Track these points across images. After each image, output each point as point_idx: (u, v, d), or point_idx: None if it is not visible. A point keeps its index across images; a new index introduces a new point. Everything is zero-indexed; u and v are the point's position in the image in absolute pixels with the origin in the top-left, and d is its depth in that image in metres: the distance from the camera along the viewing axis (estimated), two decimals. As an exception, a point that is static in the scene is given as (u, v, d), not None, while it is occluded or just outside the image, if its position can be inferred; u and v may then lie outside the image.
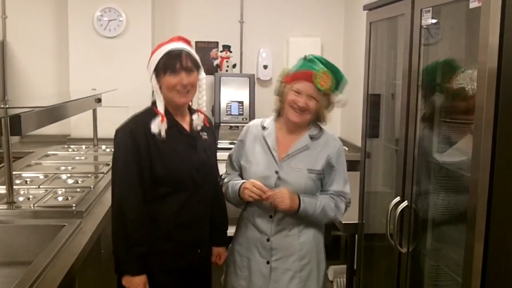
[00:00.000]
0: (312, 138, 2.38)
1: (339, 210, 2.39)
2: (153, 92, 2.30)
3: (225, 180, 2.47)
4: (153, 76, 2.26)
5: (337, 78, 2.33)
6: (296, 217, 2.32)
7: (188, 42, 2.34)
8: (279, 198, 2.24)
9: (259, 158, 2.38)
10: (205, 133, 2.42)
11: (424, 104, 2.23)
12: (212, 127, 2.56)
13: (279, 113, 2.45)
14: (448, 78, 2.11)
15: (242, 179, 2.41)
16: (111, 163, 2.31)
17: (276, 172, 2.33)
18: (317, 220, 2.36)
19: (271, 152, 2.37)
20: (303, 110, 2.29)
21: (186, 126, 2.36)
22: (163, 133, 2.22)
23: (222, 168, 2.58)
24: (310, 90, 2.28)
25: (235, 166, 2.49)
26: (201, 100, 2.38)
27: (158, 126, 2.21)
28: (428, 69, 2.19)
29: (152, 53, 2.28)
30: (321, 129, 2.43)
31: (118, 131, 2.27)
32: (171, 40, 2.30)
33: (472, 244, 1.71)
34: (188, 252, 2.34)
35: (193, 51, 2.30)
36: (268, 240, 2.35)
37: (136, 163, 2.20)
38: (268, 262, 2.36)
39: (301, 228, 2.36)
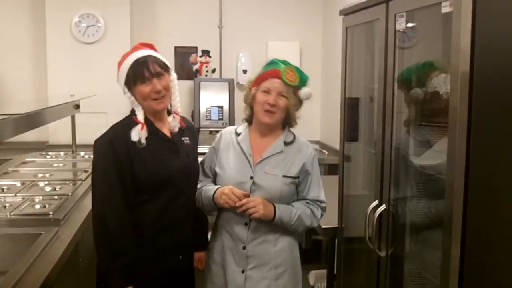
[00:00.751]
0: (286, 143, 2.39)
1: (315, 217, 2.40)
2: (129, 100, 2.28)
3: (198, 186, 2.45)
4: (126, 89, 2.25)
5: (301, 75, 2.36)
6: (272, 225, 2.31)
7: (151, 46, 2.33)
8: (252, 206, 2.23)
9: (233, 164, 2.38)
10: (187, 138, 2.42)
11: (400, 107, 2.25)
12: (192, 128, 2.55)
13: (250, 122, 2.46)
14: (423, 81, 2.13)
15: (216, 185, 2.40)
16: (90, 170, 2.29)
17: (251, 178, 2.32)
18: (293, 228, 2.35)
19: (246, 157, 2.36)
20: (273, 110, 2.29)
21: (166, 131, 2.35)
22: (143, 140, 2.21)
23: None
24: (278, 87, 2.30)
25: (208, 173, 2.48)
26: (174, 101, 2.37)
27: (138, 134, 2.20)
28: (406, 70, 2.21)
29: (119, 65, 2.27)
30: (294, 135, 2.44)
31: (97, 141, 2.25)
32: (134, 49, 2.29)
33: (449, 245, 1.72)
34: (170, 257, 2.33)
35: (158, 55, 2.29)
36: (244, 248, 2.33)
37: (117, 172, 2.18)
38: (243, 271, 2.34)
39: (277, 236, 2.35)
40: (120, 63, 2.27)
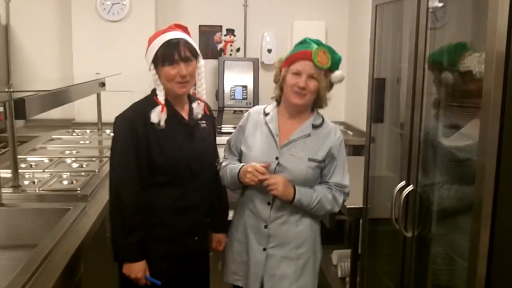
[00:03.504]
0: (314, 126, 2.37)
1: (336, 202, 2.38)
2: (152, 78, 2.28)
3: (223, 164, 2.45)
4: (152, 67, 2.25)
5: (333, 56, 2.32)
6: (294, 207, 2.32)
7: (185, 29, 2.32)
8: (272, 183, 2.24)
9: (259, 143, 2.37)
10: (204, 122, 2.42)
11: (430, 88, 2.21)
12: (212, 115, 2.55)
13: (279, 102, 2.44)
14: (457, 59, 2.08)
15: (241, 163, 2.39)
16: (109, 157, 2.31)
17: (276, 158, 2.32)
18: (313, 212, 2.35)
19: (273, 138, 2.35)
20: (303, 92, 2.27)
21: (185, 115, 2.35)
22: (162, 123, 2.22)
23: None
24: (309, 69, 2.26)
25: (234, 151, 2.48)
26: (200, 88, 2.37)
27: (158, 115, 2.21)
28: (437, 51, 2.17)
29: (150, 42, 2.26)
30: (323, 119, 2.41)
31: (117, 119, 2.27)
32: (169, 29, 2.28)
33: (478, 229, 1.70)
34: (184, 238, 2.35)
35: (191, 40, 2.28)
36: (265, 227, 2.34)
37: (134, 150, 2.20)
38: (264, 249, 2.35)
39: (299, 217, 2.35)
40: (151, 39, 2.26)
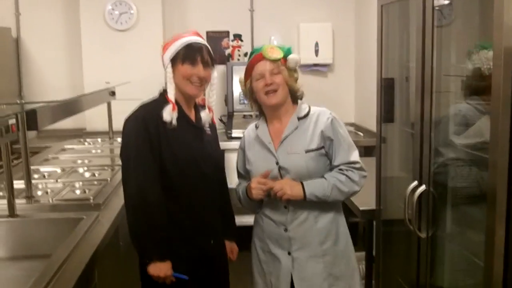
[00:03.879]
0: (300, 118, 2.36)
1: (353, 181, 2.30)
2: (166, 75, 2.30)
3: (237, 190, 2.49)
4: (169, 65, 2.27)
5: (282, 48, 2.36)
6: (311, 203, 2.29)
7: (204, 39, 2.37)
8: (278, 189, 2.24)
9: (258, 156, 2.39)
10: (208, 129, 2.45)
11: (439, 87, 2.20)
12: (215, 125, 2.57)
13: (262, 113, 2.46)
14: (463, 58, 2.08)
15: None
16: (120, 158, 2.30)
17: (277, 163, 2.32)
18: (332, 200, 2.29)
19: (266, 146, 2.37)
20: (273, 88, 2.29)
21: (192, 118, 2.38)
22: (174, 122, 2.23)
23: (233, 158, 2.61)
24: (267, 66, 2.30)
25: (242, 173, 2.51)
26: (211, 98, 2.41)
27: (169, 114, 2.22)
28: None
29: (168, 43, 2.29)
30: (309, 108, 2.41)
31: (128, 119, 2.27)
32: (192, 33, 2.33)
33: (493, 226, 1.69)
34: (199, 241, 2.34)
35: (211, 50, 2.34)
36: (285, 230, 2.33)
37: (150, 149, 2.20)
38: (289, 253, 2.34)
39: (317, 214, 2.32)
40: (172, 41, 2.29)
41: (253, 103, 2.44)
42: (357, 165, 2.32)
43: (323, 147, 2.32)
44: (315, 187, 2.27)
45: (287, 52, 2.36)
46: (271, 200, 2.33)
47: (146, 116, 2.23)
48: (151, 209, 2.18)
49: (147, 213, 2.18)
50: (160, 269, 2.19)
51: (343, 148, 2.32)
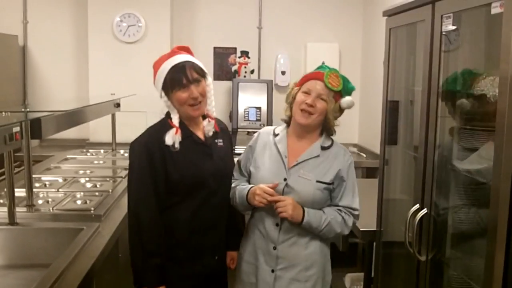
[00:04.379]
0: (323, 148, 2.36)
1: (346, 225, 2.35)
2: (165, 104, 2.31)
3: (233, 185, 2.45)
4: (163, 93, 2.28)
5: (346, 83, 2.34)
6: (303, 229, 2.30)
7: (187, 50, 2.34)
8: (282, 206, 2.23)
9: (268, 164, 2.37)
10: (221, 140, 2.43)
11: (444, 111, 2.21)
12: (227, 131, 2.57)
13: (288, 124, 2.45)
14: (467, 85, 2.09)
15: (250, 184, 2.40)
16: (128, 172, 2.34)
17: (285, 180, 2.31)
18: (322, 234, 2.32)
19: (281, 159, 2.35)
20: (310, 111, 2.28)
21: (201, 135, 2.37)
22: (176, 145, 2.24)
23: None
24: (319, 88, 2.28)
25: (243, 171, 2.48)
26: (210, 106, 2.38)
27: (172, 138, 2.23)
28: (449, 79, 2.18)
29: (154, 67, 2.29)
30: (332, 141, 2.41)
31: (133, 144, 2.29)
32: (172, 53, 2.30)
33: (493, 253, 1.68)
34: (204, 258, 2.35)
35: (195, 60, 2.30)
36: (274, 248, 2.33)
37: (151, 175, 2.22)
38: (273, 271, 2.33)
39: (308, 239, 2.33)
40: (156, 67, 2.28)
41: (288, 108, 2.42)
42: (356, 212, 2.38)
43: (332, 183, 2.33)
44: (314, 218, 2.27)
45: (347, 91, 2.35)
46: (266, 213, 2.32)
47: (149, 141, 2.25)
48: (144, 236, 2.21)
49: (140, 239, 2.21)
50: None
51: (350, 192, 2.36)
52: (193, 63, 2.27)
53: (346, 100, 2.34)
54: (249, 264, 2.41)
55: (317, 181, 2.30)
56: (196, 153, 2.32)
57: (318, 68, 2.38)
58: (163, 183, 2.24)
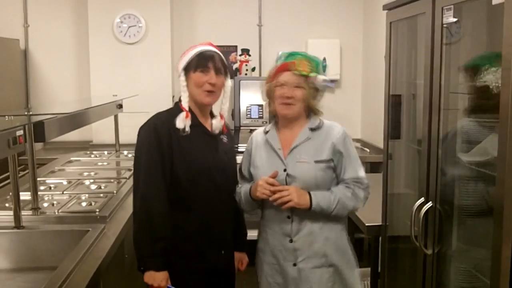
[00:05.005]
0: (312, 129, 2.37)
1: (357, 198, 2.33)
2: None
3: (237, 191, 2.47)
4: (182, 73, 2.31)
5: (313, 62, 2.35)
6: (315, 214, 2.29)
7: (219, 49, 2.39)
8: (286, 195, 2.23)
9: (265, 161, 2.39)
10: (225, 137, 2.46)
11: (447, 104, 2.20)
12: (231, 133, 2.60)
13: (274, 117, 2.46)
14: (471, 76, 2.08)
15: None
16: (133, 167, 2.33)
17: (284, 170, 2.32)
18: (336, 214, 2.30)
19: (276, 152, 2.36)
20: (291, 101, 2.29)
21: (208, 127, 2.39)
22: (187, 128, 2.26)
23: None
24: (292, 79, 2.29)
25: (245, 175, 2.49)
26: (224, 105, 2.44)
27: (183, 121, 2.26)
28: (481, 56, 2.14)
29: (185, 52, 2.34)
30: (321, 121, 2.41)
31: (141, 128, 2.31)
32: (206, 43, 2.37)
33: (499, 244, 1.68)
34: (210, 253, 2.36)
35: (224, 58, 2.36)
36: (291, 241, 2.33)
37: (160, 158, 2.23)
38: (294, 264, 2.33)
39: (321, 225, 2.32)
40: (186, 51, 2.34)
41: (268, 104, 2.44)
42: (365, 182, 2.36)
43: (332, 159, 2.33)
44: (322, 198, 2.27)
45: (316, 69, 2.35)
46: (275, 210, 2.32)
47: (158, 125, 2.27)
48: (153, 221, 2.21)
49: (149, 224, 2.21)
50: (154, 278, 2.21)
51: (353, 163, 2.35)
52: (221, 56, 2.34)
53: (319, 80, 2.35)
54: (270, 265, 2.41)
55: (315, 161, 2.30)
56: (203, 144, 2.34)
57: (280, 60, 2.38)
58: (170, 171, 2.25)
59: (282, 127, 2.42)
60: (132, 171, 2.73)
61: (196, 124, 2.32)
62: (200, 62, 2.28)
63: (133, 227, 2.27)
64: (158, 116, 2.34)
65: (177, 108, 2.33)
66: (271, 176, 2.28)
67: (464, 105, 2.22)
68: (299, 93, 2.30)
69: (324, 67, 2.36)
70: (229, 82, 2.39)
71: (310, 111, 2.39)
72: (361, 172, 2.37)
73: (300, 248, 2.32)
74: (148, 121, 2.32)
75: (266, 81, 2.41)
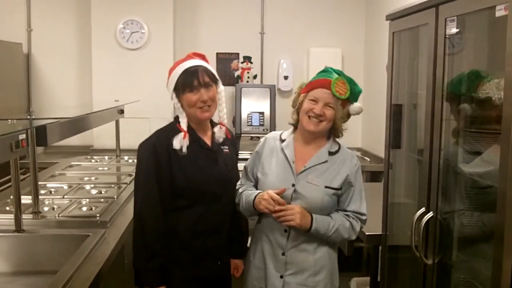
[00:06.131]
0: (330, 153, 2.36)
1: (354, 230, 2.35)
2: (174, 106, 2.34)
3: (239, 191, 2.45)
4: (174, 95, 2.32)
5: (353, 88, 2.33)
6: (311, 235, 2.30)
7: (203, 57, 2.39)
8: (289, 214, 2.22)
9: (275, 170, 2.36)
10: (226, 147, 2.46)
11: (449, 114, 2.21)
12: (234, 139, 2.60)
13: (296, 127, 2.44)
14: (474, 87, 2.08)
15: (257, 190, 2.40)
16: (134, 174, 2.36)
17: (293, 185, 2.31)
18: (330, 240, 2.33)
19: (289, 164, 2.35)
20: (319, 118, 2.28)
21: (207, 140, 2.40)
22: (184, 149, 2.27)
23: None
24: (327, 97, 2.28)
25: (250, 177, 2.48)
26: (221, 112, 2.43)
27: (180, 142, 2.27)
28: (454, 81, 2.18)
29: (170, 72, 2.34)
30: (339, 145, 2.41)
31: (141, 146, 2.33)
32: (187, 58, 2.36)
33: (500, 257, 1.68)
34: (207, 262, 2.36)
35: (209, 66, 2.35)
36: (283, 254, 2.33)
37: (157, 177, 2.25)
38: (281, 276, 2.33)
39: (316, 245, 2.33)
40: (171, 70, 2.34)
41: (295, 113, 2.42)
42: (363, 217, 2.39)
43: (341, 188, 2.34)
44: (322, 224, 2.28)
45: (354, 97, 2.35)
46: (273, 220, 2.31)
47: (157, 144, 2.29)
48: (147, 236, 2.24)
49: (144, 239, 2.24)
50: None
51: (358, 197, 2.37)
52: (205, 67, 2.32)
53: (354, 107, 2.35)
54: (258, 269, 2.41)
55: (326, 187, 2.30)
56: (202, 158, 2.34)
57: (323, 72, 2.37)
58: (169, 186, 2.27)
59: (300, 140, 2.41)
60: (133, 177, 2.75)
61: (195, 139, 2.34)
62: (187, 82, 2.27)
63: (132, 242, 2.30)
64: (157, 135, 2.35)
65: (176, 126, 2.33)
66: (278, 193, 2.25)
67: (466, 116, 2.22)
68: (329, 113, 2.29)
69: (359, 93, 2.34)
70: (221, 88, 2.38)
71: (333, 132, 2.39)
72: (364, 208, 2.39)
73: (291, 262, 2.32)
74: (147, 139, 2.34)
75: (300, 90, 2.39)
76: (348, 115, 2.38)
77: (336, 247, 2.47)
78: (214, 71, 2.36)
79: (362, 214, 2.38)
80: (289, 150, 2.38)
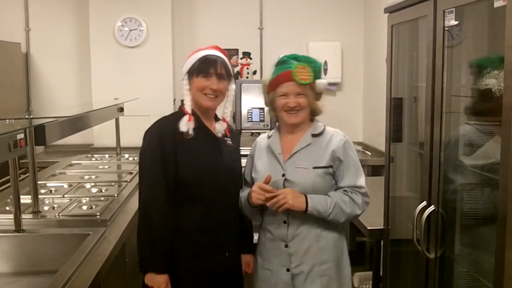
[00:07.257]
0: (314, 135, 2.36)
1: (356, 204, 2.30)
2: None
3: (240, 195, 2.46)
4: (186, 77, 2.33)
5: (314, 67, 2.33)
6: (312, 220, 2.28)
7: (224, 52, 2.39)
8: (281, 198, 2.21)
9: (265, 165, 2.38)
10: (230, 139, 2.46)
11: (448, 107, 2.19)
12: (236, 135, 2.60)
13: (277, 122, 2.46)
14: (474, 79, 2.07)
15: None
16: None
17: (283, 175, 2.31)
18: (333, 218, 2.27)
19: (275, 156, 2.36)
20: (295, 109, 2.29)
21: (212, 130, 2.40)
22: (190, 131, 2.27)
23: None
24: (294, 89, 2.28)
25: (248, 181, 2.48)
26: (227, 109, 2.45)
27: (186, 124, 2.27)
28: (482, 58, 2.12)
29: (189, 56, 2.35)
30: (324, 127, 2.40)
31: (146, 133, 2.33)
32: (210, 47, 2.37)
33: (503, 249, 1.66)
34: (215, 256, 2.35)
35: (228, 62, 2.36)
36: (286, 246, 2.32)
37: (162, 164, 2.25)
38: (288, 270, 2.32)
39: (319, 232, 2.31)
40: (190, 55, 2.36)
41: (271, 110, 2.43)
42: (362, 190, 2.34)
43: (331, 166, 2.32)
44: (318, 202, 2.25)
45: (317, 75, 2.34)
46: (273, 214, 2.31)
47: (162, 130, 2.29)
48: (152, 223, 2.24)
49: (149, 227, 2.24)
50: (154, 281, 2.24)
51: (352, 171, 2.33)
52: (225, 61, 2.35)
53: (319, 84, 2.34)
54: (263, 270, 2.40)
55: (314, 167, 2.29)
56: (207, 146, 2.35)
57: (281, 65, 2.34)
58: (173, 174, 2.26)
59: (285, 132, 2.42)
60: (133, 174, 2.75)
61: (200, 126, 2.33)
62: (203, 67, 2.29)
63: (137, 230, 2.30)
64: (162, 121, 2.36)
65: (180, 111, 2.35)
66: (264, 181, 2.26)
67: (467, 107, 2.21)
68: (302, 101, 2.29)
69: (325, 70, 2.34)
70: (232, 87, 2.40)
71: (313, 113, 2.39)
72: (360, 181, 2.34)
73: (294, 253, 2.31)
74: (152, 125, 2.34)
75: (266, 90, 2.39)
76: (319, 93, 2.37)
77: (343, 233, 2.43)
78: (232, 69, 2.39)
79: (359, 187, 2.32)
80: (274, 143, 2.40)
